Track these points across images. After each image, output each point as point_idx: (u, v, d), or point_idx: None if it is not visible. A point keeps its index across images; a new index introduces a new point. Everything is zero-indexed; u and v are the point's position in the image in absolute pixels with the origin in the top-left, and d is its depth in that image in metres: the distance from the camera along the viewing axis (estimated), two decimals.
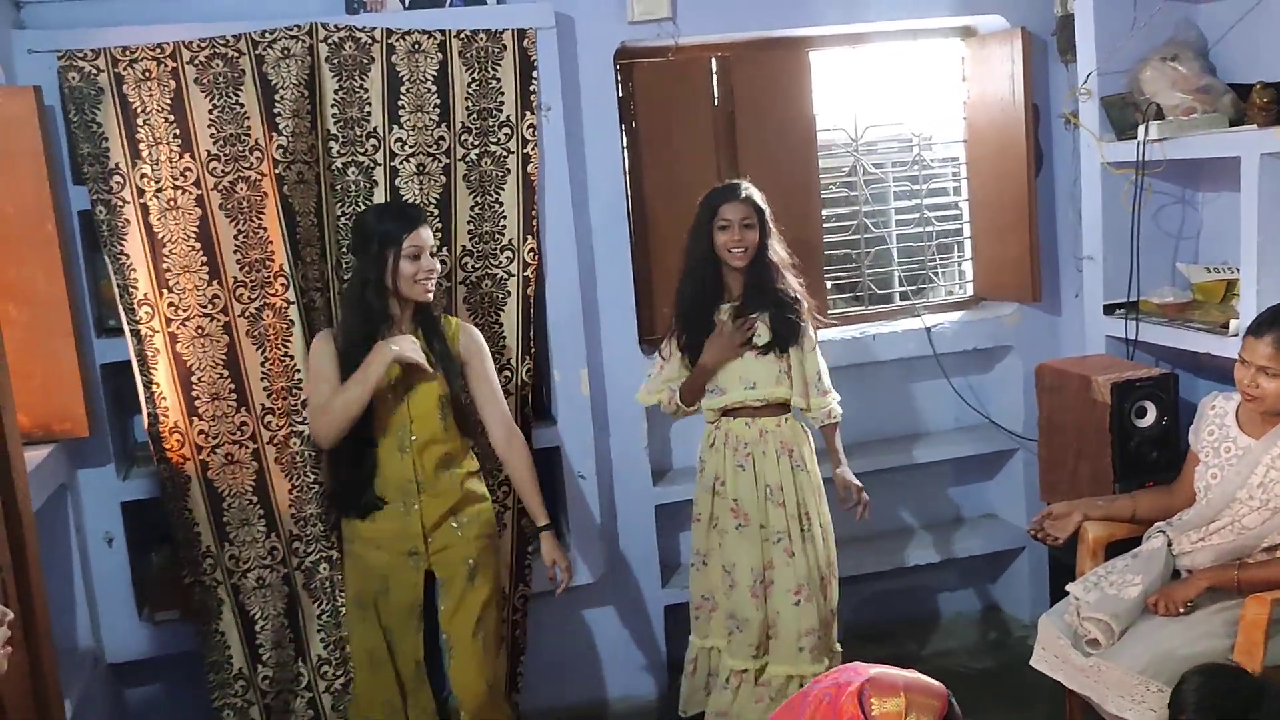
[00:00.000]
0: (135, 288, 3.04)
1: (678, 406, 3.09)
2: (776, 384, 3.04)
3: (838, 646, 3.17)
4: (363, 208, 3.14)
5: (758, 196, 3.03)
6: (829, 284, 4.02)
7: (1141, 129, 3.30)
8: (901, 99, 4.02)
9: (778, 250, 3.06)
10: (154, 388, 3.07)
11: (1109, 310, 3.54)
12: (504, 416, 2.92)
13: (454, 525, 2.82)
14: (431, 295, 2.79)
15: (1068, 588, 2.85)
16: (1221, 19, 3.42)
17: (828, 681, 1.65)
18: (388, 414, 2.76)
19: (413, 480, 2.77)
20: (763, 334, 3.01)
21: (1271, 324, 2.64)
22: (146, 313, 3.05)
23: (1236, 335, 3.06)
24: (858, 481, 3.14)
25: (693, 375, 3.05)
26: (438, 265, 2.81)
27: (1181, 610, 2.64)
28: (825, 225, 3.95)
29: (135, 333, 3.05)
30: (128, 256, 3.02)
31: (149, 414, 3.08)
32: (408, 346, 2.72)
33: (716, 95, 3.74)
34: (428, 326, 2.84)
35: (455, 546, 2.82)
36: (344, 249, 3.14)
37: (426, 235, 2.77)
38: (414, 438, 2.77)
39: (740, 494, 3.04)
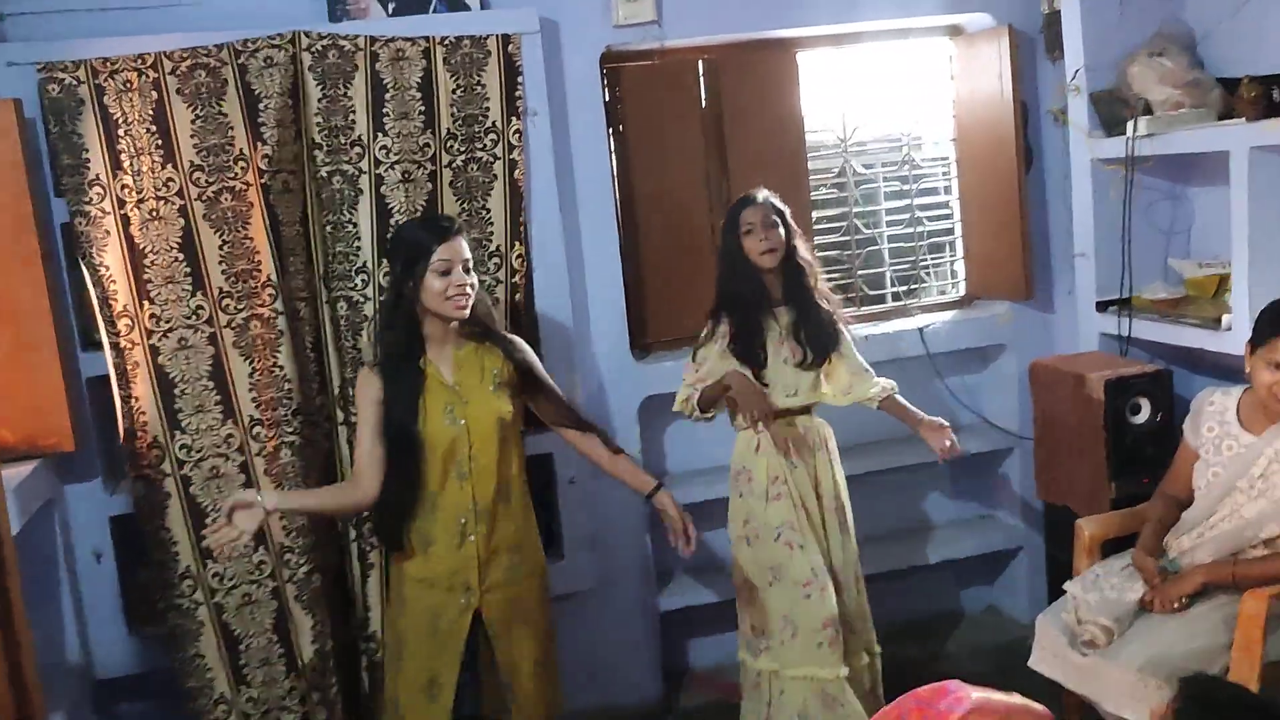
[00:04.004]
0: (115, 300, 3.01)
1: (694, 409, 3.05)
2: (813, 390, 3.08)
3: (877, 648, 3.18)
4: (348, 216, 3.12)
5: (776, 200, 3.06)
6: None
7: (1130, 124, 3.29)
8: (890, 99, 4.01)
9: (805, 251, 3.09)
10: (133, 402, 3.04)
11: (1102, 307, 3.53)
12: (571, 413, 2.83)
13: (507, 563, 2.68)
14: (465, 313, 2.60)
15: (1065, 586, 2.84)
16: (1208, 13, 3.41)
17: (910, 702, 1.58)
18: (446, 441, 2.60)
19: (471, 508, 2.62)
20: (785, 332, 3.04)
21: None
22: (126, 325, 3.02)
23: (1230, 330, 3.05)
24: (942, 420, 3.10)
25: (715, 387, 2.99)
26: (473, 281, 2.62)
27: (1176, 606, 2.62)
28: (816, 227, 3.93)
29: (114, 345, 3.02)
30: (107, 268, 3.00)
31: (125, 429, 3.05)
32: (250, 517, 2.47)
33: (704, 98, 3.73)
34: (490, 345, 2.70)
35: (507, 585, 2.68)
36: (332, 258, 3.12)
37: (459, 248, 2.59)
38: (473, 463, 2.62)
39: (803, 490, 3.03)
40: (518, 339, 2.79)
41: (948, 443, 3.05)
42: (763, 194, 3.05)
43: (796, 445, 3.04)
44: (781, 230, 3.01)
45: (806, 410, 3.10)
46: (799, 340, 3.05)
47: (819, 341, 3.05)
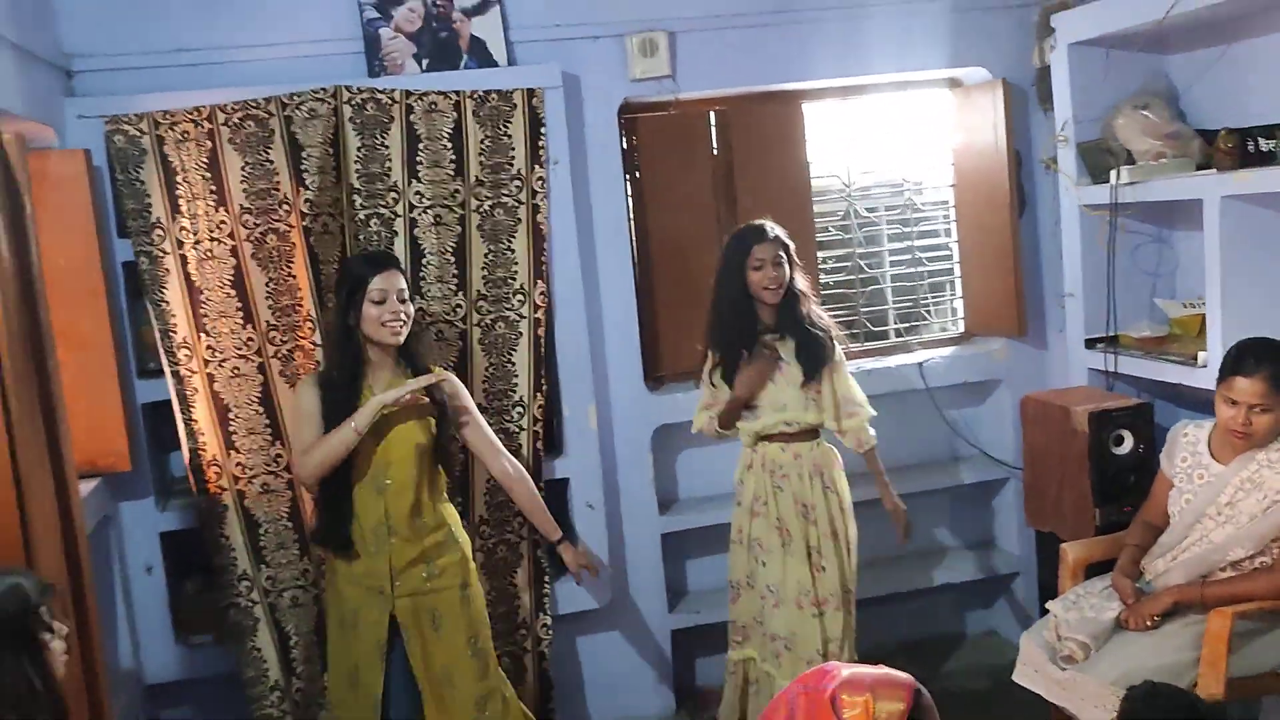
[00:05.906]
0: (175, 332, 3.26)
1: (717, 431, 3.32)
2: (805, 410, 3.24)
3: (855, 658, 3.33)
4: None
5: (783, 234, 3.25)
6: None
7: (1114, 173, 3.50)
8: (892, 147, 4.24)
9: (802, 282, 3.28)
10: (194, 424, 3.29)
11: (1090, 344, 3.72)
12: (494, 446, 3.08)
13: (423, 574, 2.91)
14: (399, 340, 2.88)
15: (1048, 605, 3.02)
16: (1191, 69, 3.62)
17: (797, 687, 1.75)
18: (366, 458, 2.86)
19: (384, 522, 2.87)
20: (787, 357, 3.22)
21: (1259, 361, 2.73)
22: (186, 355, 3.28)
23: (1205, 367, 3.23)
24: (903, 505, 3.42)
25: (729, 405, 3.25)
26: (407, 310, 2.88)
27: (1149, 624, 2.80)
28: (821, 267, 4.15)
29: (175, 374, 3.27)
30: (168, 303, 3.25)
31: (190, 449, 3.30)
32: (391, 395, 2.82)
33: (715, 146, 3.97)
34: (417, 372, 2.94)
35: (420, 595, 2.90)
36: None
37: (393, 281, 2.86)
38: (389, 481, 2.87)
39: (782, 512, 3.24)
40: (448, 375, 3.04)
41: (901, 531, 3.40)
42: (773, 229, 3.22)
43: (784, 471, 3.24)
44: (786, 268, 3.21)
45: (806, 436, 3.27)
46: (789, 360, 3.23)
47: (808, 362, 3.22)
